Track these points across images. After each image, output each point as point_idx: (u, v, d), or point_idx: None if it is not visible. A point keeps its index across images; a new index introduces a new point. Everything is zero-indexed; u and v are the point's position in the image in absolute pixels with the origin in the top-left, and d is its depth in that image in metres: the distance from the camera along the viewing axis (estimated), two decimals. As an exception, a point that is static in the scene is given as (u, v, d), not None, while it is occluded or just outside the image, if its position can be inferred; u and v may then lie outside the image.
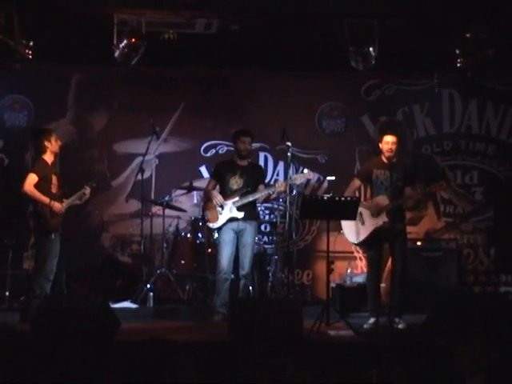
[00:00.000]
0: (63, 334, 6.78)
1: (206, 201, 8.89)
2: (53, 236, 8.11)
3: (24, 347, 6.62)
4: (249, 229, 8.62)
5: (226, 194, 8.67)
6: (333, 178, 10.02)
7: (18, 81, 10.54)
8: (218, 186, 8.85)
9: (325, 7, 8.32)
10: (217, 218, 8.63)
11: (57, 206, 8.12)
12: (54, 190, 8.24)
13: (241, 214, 8.55)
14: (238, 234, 8.61)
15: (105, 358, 6.03)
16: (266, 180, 10.05)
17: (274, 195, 8.78)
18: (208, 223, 8.81)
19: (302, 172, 8.66)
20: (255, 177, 8.77)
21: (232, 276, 8.72)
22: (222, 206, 8.59)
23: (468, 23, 8.64)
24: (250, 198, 8.56)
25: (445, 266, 9.90)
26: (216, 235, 8.99)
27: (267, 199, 8.97)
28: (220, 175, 8.83)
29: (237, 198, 8.57)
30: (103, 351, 6.34)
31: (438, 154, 11.02)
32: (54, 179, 8.28)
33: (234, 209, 8.56)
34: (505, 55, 8.97)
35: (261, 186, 8.70)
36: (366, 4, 8.23)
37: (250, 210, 8.63)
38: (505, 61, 9.26)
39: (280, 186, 8.48)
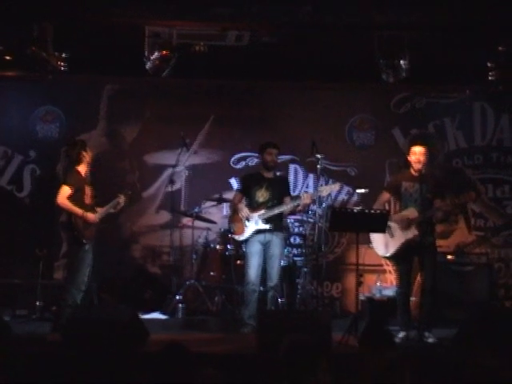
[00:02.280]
0: (93, 344, 6.81)
1: (232, 213, 8.91)
2: (86, 247, 8.14)
3: (55, 357, 6.66)
4: (275, 240, 8.62)
5: (253, 206, 8.69)
6: (363, 190, 9.97)
7: (51, 92, 10.67)
8: (244, 199, 8.87)
9: (355, 19, 8.33)
10: (243, 231, 8.65)
11: (90, 216, 8.16)
12: (87, 200, 8.27)
13: (267, 226, 8.55)
14: (265, 246, 8.61)
15: (134, 368, 6.04)
16: (296, 192, 10.05)
17: (299, 207, 8.73)
18: (234, 235, 8.84)
19: (328, 184, 8.64)
20: (281, 189, 8.77)
21: (260, 288, 8.72)
22: (248, 219, 8.60)
23: (500, 36, 8.59)
24: (276, 211, 8.56)
25: (476, 280, 9.81)
26: (244, 247, 8.99)
27: (293, 211, 8.95)
28: (246, 188, 8.86)
29: (263, 211, 8.58)
30: (132, 362, 6.36)
31: (469, 168, 10.94)
32: (88, 190, 8.32)
33: (260, 221, 8.57)
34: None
35: (286, 199, 8.71)
36: (397, 16, 8.21)
37: (276, 222, 8.64)
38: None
39: (306, 198, 8.48)
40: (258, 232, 8.60)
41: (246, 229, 8.62)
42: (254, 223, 8.59)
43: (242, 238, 8.70)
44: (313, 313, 8.20)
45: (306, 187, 10.76)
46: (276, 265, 8.61)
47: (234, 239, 9.28)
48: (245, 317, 8.50)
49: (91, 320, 7.17)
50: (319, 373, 4.34)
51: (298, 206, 8.62)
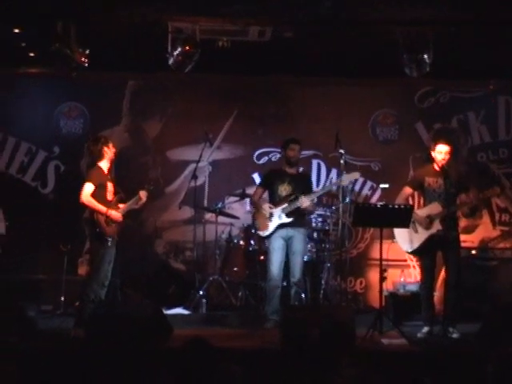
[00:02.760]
0: (116, 339, 6.84)
1: (255, 210, 8.92)
2: (109, 243, 8.15)
3: (78, 352, 6.70)
4: (298, 236, 8.61)
5: (275, 201, 8.69)
6: (386, 185, 9.95)
7: (74, 88, 10.71)
8: (265, 194, 8.89)
9: (379, 14, 8.30)
10: (267, 226, 8.63)
11: (114, 214, 8.15)
12: (109, 196, 8.28)
13: (289, 220, 8.53)
14: (288, 242, 8.60)
15: (157, 363, 6.06)
16: (319, 187, 10.05)
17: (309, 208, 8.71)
18: (258, 232, 8.81)
19: (349, 174, 8.54)
20: (303, 185, 8.75)
21: (284, 283, 8.72)
22: (271, 214, 8.59)
23: (525, 29, 8.55)
24: (299, 204, 8.52)
25: (500, 275, 9.76)
26: (266, 243, 8.99)
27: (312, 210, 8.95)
28: (269, 183, 8.86)
29: (286, 205, 8.56)
30: (156, 357, 6.38)
31: (493, 162, 10.87)
32: (110, 186, 8.32)
33: (284, 215, 8.56)
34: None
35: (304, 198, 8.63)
36: (421, 11, 8.17)
37: (298, 217, 8.62)
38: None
39: (304, 202, 8.47)
40: (281, 227, 8.58)
41: (269, 224, 8.60)
42: (278, 217, 8.58)
43: (266, 233, 8.66)
44: (336, 308, 8.20)
45: (330, 183, 10.73)
46: (299, 260, 8.60)
47: (257, 235, 9.30)
48: (268, 312, 8.50)
49: (114, 315, 7.20)
50: (343, 369, 4.33)
51: (313, 201, 8.65)
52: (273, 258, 8.59)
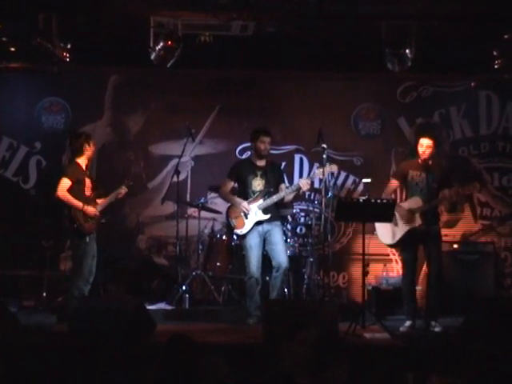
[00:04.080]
0: (99, 334, 6.83)
1: (229, 207, 8.87)
2: (87, 239, 8.16)
3: (61, 348, 6.69)
4: (275, 228, 8.56)
5: (249, 195, 8.61)
6: (368, 180, 9.96)
7: (56, 83, 10.66)
8: (232, 187, 8.83)
9: (362, 9, 8.30)
10: (243, 224, 8.57)
11: (90, 210, 8.16)
12: (87, 192, 8.28)
13: (266, 217, 8.50)
14: (265, 236, 8.56)
15: (140, 358, 6.06)
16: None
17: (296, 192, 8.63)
18: (235, 230, 8.75)
19: (326, 166, 8.34)
20: (276, 177, 8.68)
21: (267, 278, 8.71)
22: (247, 212, 8.53)
23: (506, 24, 8.57)
24: (275, 199, 8.48)
25: (481, 269, 9.82)
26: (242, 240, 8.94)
27: (292, 199, 8.91)
28: (239, 176, 8.74)
29: (261, 201, 8.52)
30: (138, 352, 6.38)
31: (474, 156, 10.91)
32: (88, 182, 8.32)
33: (260, 211, 8.51)
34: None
35: (282, 186, 8.63)
36: (404, 5, 8.19)
37: (273, 211, 8.58)
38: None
39: (304, 185, 8.36)
40: (258, 223, 8.54)
41: (246, 221, 8.54)
42: (254, 214, 8.52)
43: (244, 231, 8.59)
44: (319, 303, 8.21)
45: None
46: (283, 248, 8.52)
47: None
48: (251, 309, 8.48)
49: (97, 311, 7.20)
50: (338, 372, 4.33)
51: (298, 192, 8.56)
52: (251, 255, 8.53)
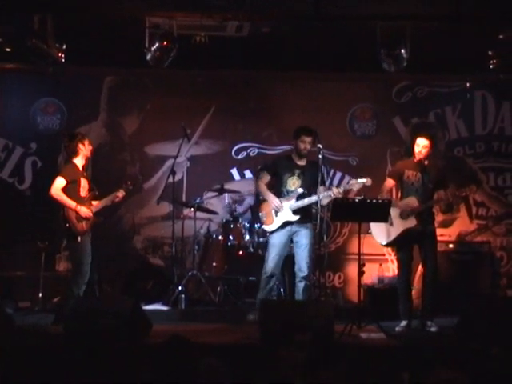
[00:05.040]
0: (96, 335, 6.83)
1: (262, 201, 8.81)
2: (79, 239, 8.15)
3: (57, 349, 6.68)
4: (303, 231, 8.45)
5: (282, 194, 8.52)
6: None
7: (51, 84, 10.64)
8: (268, 180, 8.74)
9: (357, 9, 8.31)
10: (272, 221, 8.51)
11: (83, 210, 8.16)
12: (83, 193, 8.27)
13: (295, 218, 8.42)
14: (293, 236, 8.49)
15: (136, 359, 6.05)
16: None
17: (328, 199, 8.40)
18: (264, 225, 8.73)
19: (361, 178, 8.30)
20: (314, 178, 8.37)
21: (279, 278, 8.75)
22: (278, 209, 8.44)
23: (501, 24, 8.58)
24: (307, 202, 8.37)
25: (477, 268, 9.83)
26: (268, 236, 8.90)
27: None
28: (277, 172, 8.64)
29: (293, 201, 8.43)
30: (135, 352, 6.37)
31: (470, 156, 10.92)
32: (84, 182, 8.32)
33: (290, 212, 8.41)
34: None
35: (321, 188, 8.35)
36: (399, 6, 8.19)
37: (305, 213, 8.45)
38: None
39: (336, 193, 8.20)
40: (286, 223, 8.47)
41: (275, 219, 8.48)
42: (284, 214, 8.44)
43: (271, 228, 8.54)
44: (315, 303, 8.21)
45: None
46: (306, 255, 8.40)
47: (236, 230, 9.32)
48: (257, 302, 8.43)
49: (93, 311, 7.19)
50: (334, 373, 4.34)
51: (328, 197, 8.31)
52: (271, 252, 8.48)
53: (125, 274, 10.12)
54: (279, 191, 8.57)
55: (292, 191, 8.50)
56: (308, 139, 8.46)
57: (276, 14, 8.54)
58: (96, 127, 10.72)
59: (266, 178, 8.74)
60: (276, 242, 8.49)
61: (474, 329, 7.22)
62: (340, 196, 8.24)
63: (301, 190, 8.44)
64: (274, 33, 9.20)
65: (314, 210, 8.54)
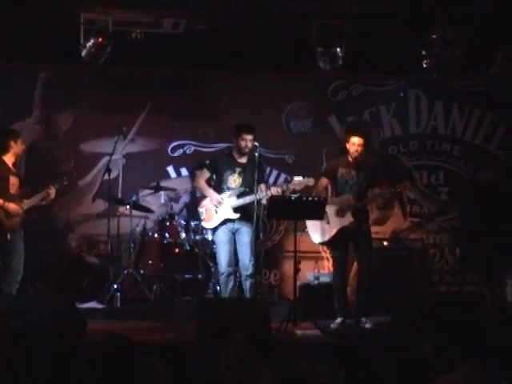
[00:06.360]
0: (28, 334, 6.74)
1: (201, 197, 8.78)
2: (8, 236, 8.03)
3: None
4: (244, 228, 8.40)
5: (223, 191, 8.45)
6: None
7: (-16, 80, 10.47)
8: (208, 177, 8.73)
9: (293, 8, 8.35)
10: (212, 218, 8.48)
11: (12, 206, 8.04)
12: (12, 190, 8.15)
13: (235, 216, 8.37)
14: (235, 234, 8.45)
15: (71, 358, 6.00)
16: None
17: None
18: (202, 222, 8.70)
19: (304, 178, 8.30)
20: (254, 175, 8.28)
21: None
22: (218, 207, 8.39)
23: (434, 24, 8.71)
24: (248, 200, 8.29)
25: (410, 265, 9.92)
26: (209, 236, 8.98)
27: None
28: (217, 169, 8.57)
29: (234, 199, 8.39)
30: (69, 351, 6.31)
31: (404, 154, 11.06)
32: (13, 180, 8.19)
33: (231, 209, 8.37)
34: (470, 56, 9.05)
35: (262, 186, 8.34)
36: (335, 5, 8.26)
37: (245, 211, 8.38)
38: (470, 62, 9.33)
39: (275, 192, 8.19)
40: (227, 220, 8.43)
41: (215, 216, 8.43)
42: (225, 211, 8.39)
43: (211, 225, 8.52)
44: (251, 300, 8.22)
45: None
46: (249, 253, 8.36)
47: (172, 227, 9.29)
48: None
49: (26, 310, 7.10)
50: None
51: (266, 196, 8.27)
52: (221, 250, 8.44)
53: (59, 271, 10.01)
54: (220, 188, 8.52)
55: (233, 188, 8.47)
56: (249, 137, 8.41)
57: (211, 11, 8.54)
58: (30, 124, 10.57)
59: (206, 174, 8.73)
60: (222, 239, 8.45)
61: (407, 325, 7.32)
62: (277, 193, 8.22)
63: (242, 189, 8.44)
64: (211, 30, 9.19)
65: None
